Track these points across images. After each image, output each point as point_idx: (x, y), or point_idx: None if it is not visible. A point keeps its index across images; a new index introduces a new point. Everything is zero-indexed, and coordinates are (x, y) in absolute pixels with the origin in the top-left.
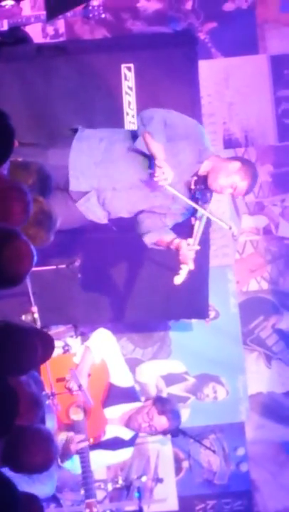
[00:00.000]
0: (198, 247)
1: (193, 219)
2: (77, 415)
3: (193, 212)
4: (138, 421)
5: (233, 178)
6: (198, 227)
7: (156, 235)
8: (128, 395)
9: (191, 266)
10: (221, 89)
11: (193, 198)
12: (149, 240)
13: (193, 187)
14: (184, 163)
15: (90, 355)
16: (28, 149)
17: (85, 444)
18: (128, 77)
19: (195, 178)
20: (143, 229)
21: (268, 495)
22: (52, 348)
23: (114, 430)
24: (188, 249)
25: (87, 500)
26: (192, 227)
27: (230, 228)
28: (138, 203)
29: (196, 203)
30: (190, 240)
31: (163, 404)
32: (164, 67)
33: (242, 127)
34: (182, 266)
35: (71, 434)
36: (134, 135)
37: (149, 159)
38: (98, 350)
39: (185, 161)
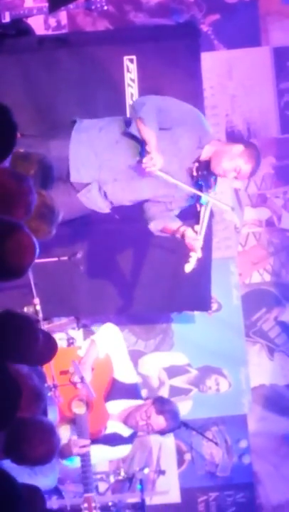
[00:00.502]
0: (201, 240)
1: (198, 205)
2: (79, 409)
3: (198, 198)
4: (136, 418)
5: (236, 162)
6: (204, 213)
7: (162, 222)
8: (130, 391)
9: (200, 254)
10: (223, 82)
11: (196, 184)
12: (154, 226)
13: (195, 173)
14: (184, 150)
15: (94, 349)
16: (30, 140)
17: (88, 449)
18: (130, 69)
19: (196, 164)
20: (149, 216)
21: (271, 487)
22: (55, 347)
23: (114, 426)
24: (195, 237)
25: (86, 495)
26: (198, 213)
27: (232, 209)
28: (140, 192)
29: (200, 189)
30: (197, 227)
31: (162, 404)
32: (166, 60)
33: (245, 119)
34: (191, 254)
35: (75, 436)
36: (129, 121)
37: (142, 146)
38: (104, 345)
39: (185, 148)
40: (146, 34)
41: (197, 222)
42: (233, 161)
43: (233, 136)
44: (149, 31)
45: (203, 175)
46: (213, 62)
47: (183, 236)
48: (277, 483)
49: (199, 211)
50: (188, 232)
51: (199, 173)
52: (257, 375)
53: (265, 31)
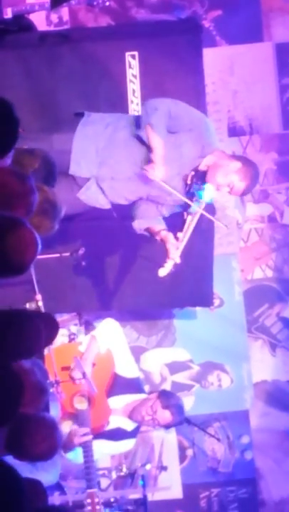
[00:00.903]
0: (182, 245)
1: (185, 213)
2: (81, 404)
3: (187, 207)
4: (141, 413)
5: (231, 178)
6: (190, 222)
7: (147, 222)
8: (132, 386)
9: (177, 259)
10: (225, 77)
11: (188, 192)
12: (138, 225)
13: (189, 182)
14: (186, 157)
15: (95, 345)
16: (33, 135)
17: (89, 437)
18: (132, 65)
19: (193, 172)
20: (136, 213)
21: (273, 483)
22: (56, 328)
23: (117, 421)
24: (175, 244)
25: (89, 490)
26: (184, 221)
27: (226, 226)
28: (136, 192)
29: (191, 197)
30: (179, 234)
31: (168, 398)
32: (168, 55)
33: (246, 115)
34: (168, 260)
35: (75, 426)
36: (138, 121)
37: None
38: (104, 340)
39: (187, 154)
40: (148, 30)
41: (181, 229)
42: (227, 176)
43: (235, 132)
44: (150, 27)
45: (197, 184)
46: (215, 58)
47: (163, 240)
48: (280, 479)
49: (185, 219)
50: (170, 238)
51: (193, 181)
52: (259, 371)
53: (268, 27)
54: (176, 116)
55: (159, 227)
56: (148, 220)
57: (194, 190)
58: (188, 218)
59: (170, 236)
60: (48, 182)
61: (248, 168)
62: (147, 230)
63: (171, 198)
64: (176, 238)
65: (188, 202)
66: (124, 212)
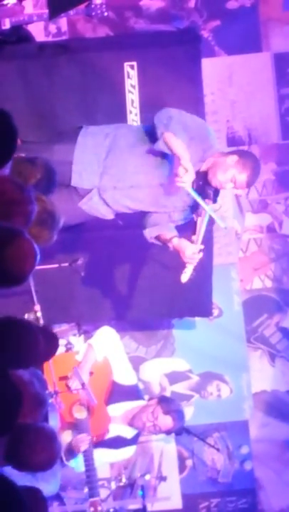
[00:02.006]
0: (202, 246)
1: (195, 216)
2: (80, 413)
3: (195, 208)
4: (142, 420)
5: (231, 172)
6: (201, 223)
7: (158, 229)
8: (131, 393)
9: (195, 262)
10: (224, 88)
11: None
12: (149, 233)
13: (193, 185)
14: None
15: (92, 353)
16: (33, 146)
17: (89, 443)
18: (131, 75)
19: (194, 176)
20: (148, 222)
21: (272, 493)
22: (56, 344)
23: (117, 428)
24: (192, 246)
25: (91, 499)
26: (195, 224)
27: (225, 228)
28: (139, 202)
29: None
30: (193, 237)
31: (168, 403)
32: (167, 66)
33: (245, 125)
34: (187, 264)
35: (78, 433)
36: (137, 129)
37: (166, 158)
38: (101, 348)
39: None
40: (146, 40)
41: (194, 232)
42: (227, 172)
43: (233, 142)
44: (149, 37)
45: (199, 185)
46: (213, 68)
47: (175, 247)
48: (279, 489)
49: (196, 221)
50: (183, 243)
51: (197, 184)
52: (258, 381)
53: (266, 37)
54: (185, 124)
55: (171, 234)
56: (159, 228)
57: (198, 192)
58: (199, 220)
59: (183, 241)
60: (49, 189)
61: (246, 159)
62: (158, 238)
63: (178, 203)
64: (191, 241)
65: (201, 203)
66: (130, 220)
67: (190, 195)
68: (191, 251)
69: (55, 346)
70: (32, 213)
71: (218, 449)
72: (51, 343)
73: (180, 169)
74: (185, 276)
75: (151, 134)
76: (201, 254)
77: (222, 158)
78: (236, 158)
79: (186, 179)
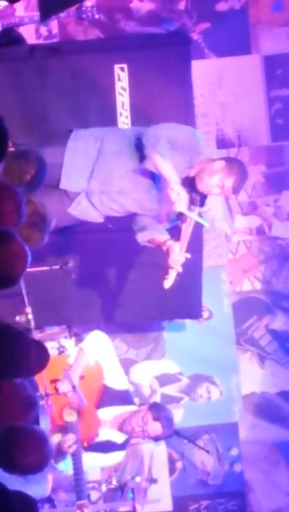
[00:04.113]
0: (188, 255)
1: (179, 222)
2: (70, 417)
3: (180, 216)
4: (132, 424)
5: (217, 177)
6: (186, 230)
7: (151, 233)
8: (122, 397)
9: (179, 269)
10: (214, 90)
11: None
12: (142, 237)
13: None
14: (174, 170)
15: (83, 357)
16: (24, 148)
17: (78, 446)
18: (121, 77)
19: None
20: (139, 226)
21: (262, 495)
22: (47, 358)
23: (107, 433)
24: (179, 253)
25: (79, 502)
26: (180, 230)
27: (203, 226)
28: (125, 206)
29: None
30: (178, 244)
31: (159, 410)
32: (157, 68)
33: (235, 127)
34: (170, 270)
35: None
36: (125, 135)
37: (154, 177)
38: (92, 352)
39: (175, 168)
40: (136, 43)
41: (178, 239)
42: (213, 177)
43: (223, 144)
44: (139, 40)
45: (187, 192)
46: (203, 71)
47: (168, 251)
48: (269, 491)
49: (181, 228)
50: (175, 247)
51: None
52: (248, 383)
53: (255, 39)
54: (175, 140)
55: (164, 237)
56: (151, 232)
57: (190, 198)
58: (183, 226)
59: (176, 246)
60: (40, 183)
61: (232, 164)
62: (151, 241)
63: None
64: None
65: (186, 212)
66: (120, 223)
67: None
68: (176, 256)
69: (46, 360)
70: (22, 214)
71: (208, 451)
72: (42, 356)
73: (172, 194)
74: (168, 282)
75: (138, 144)
76: (183, 259)
77: (208, 164)
78: (223, 163)
79: (181, 203)
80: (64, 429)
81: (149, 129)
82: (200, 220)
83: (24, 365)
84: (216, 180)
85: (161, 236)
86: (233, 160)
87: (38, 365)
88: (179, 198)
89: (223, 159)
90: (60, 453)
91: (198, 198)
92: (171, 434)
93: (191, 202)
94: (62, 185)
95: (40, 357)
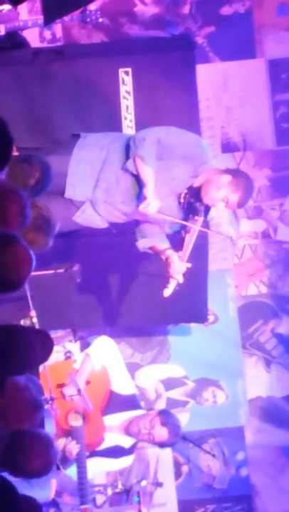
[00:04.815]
0: (188, 265)
1: (183, 232)
2: (75, 421)
3: (184, 225)
4: (139, 426)
5: (223, 192)
6: (189, 240)
7: (151, 241)
8: (129, 403)
9: (180, 279)
10: (218, 94)
11: (183, 210)
12: (142, 244)
13: (182, 200)
14: (177, 179)
15: (89, 362)
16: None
17: (83, 451)
18: (126, 81)
19: (185, 191)
20: (141, 233)
21: (268, 499)
22: (51, 345)
23: (115, 438)
24: (179, 263)
25: (82, 506)
26: (182, 240)
27: (231, 237)
28: (130, 215)
29: (187, 215)
30: (180, 253)
31: (168, 416)
32: (161, 72)
33: (240, 131)
34: (171, 280)
35: (70, 440)
36: (128, 152)
37: (139, 185)
38: (99, 358)
39: (178, 177)
40: (141, 46)
41: (181, 248)
42: (219, 191)
43: (228, 148)
44: (144, 44)
45: (190, 202)
46: (208, 75)
47: (167, 259)
48: (275, 495)
49: (184, 237)
50: (174, 258)
51: (186, 199)
52: (254, 387)
53: (260, 43)
54: (166, 143)
55: (164, 246)
56: (152, 239)
57: (188, 207)
58: (187, 236)
59: (175, 256)
60: (45, 187)
61: (239, 179)
62: (151, 248)
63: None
64: (178, 257)
65: (184, 223)
66: (124, 228)
67: (179, 209)
68: (176, 266)
69: (51, 348)
70: (26, 206)
71: (213, 455)
72: (46, 345)
73: (143, 199)
74: (168, 291)
75: None
76: (184, 269)
77: (215, 177)
78: (230, 178)
79: (149, 208)
80: (69, 433)
81: (138, 132)
82: (204, 230)
83: (30, 358)
84: (221, 195)
85: (161, 244)
86: (240, 173)
87: (43, 354)
88: (147, 204)
89: (229, 173)
90: (66, 459)
91: (202, 208)
92: (176, 442)
93: (195, 212)
94: (67, 195)
95: (44, 345)
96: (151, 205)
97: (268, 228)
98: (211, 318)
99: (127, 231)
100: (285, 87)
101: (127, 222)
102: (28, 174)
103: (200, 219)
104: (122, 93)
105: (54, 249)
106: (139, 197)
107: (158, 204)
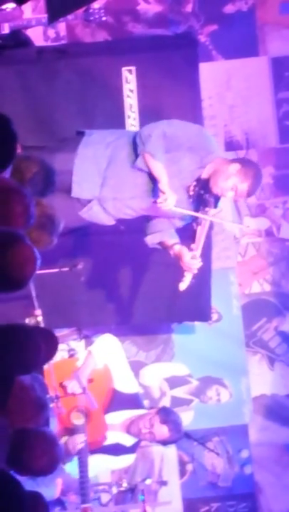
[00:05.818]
0: (199, 259)
1: (194, 224)
2: (78, 420)
3: (195, 217)
4: (139, 426)
5: (232, 181)
6: (201, 232)
7: (160, 236)
8: (132, 401)
9: (195, 270)
10: (222, 92)
11: (193, 202)
12: (151, 239)
13: (192, 192)
14: (185, 171)
15: (91, 360)
16: (33, 152)
17: (86, 450)
18: (129, 79)
19: (194, 183)
20: (150, 228)
21: (272, 497)
22: (56, 344)
23: (116, 436)
24: (191, 256)
25: (83, 506)
26: (194, 232)
27: (247, 227)
28: (140, 211)
29: (197, 206)
30: (193, 246)
31: (167, 414)
32: (165, 70)
33: (243, 129)
34: (186, 273)
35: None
36: (136, 150)
37: (152, 181)
38: (101, 356)
39: (185, 169)
40: (144, 45)
41: (193, 241)
42: (228, 180)
43: (231, 147)
44: (147, 42)
45: (200, 194)
46: (211, 73)
47: (177, 255)
48: (279, 493)
49: (196, 230)
50: (184, 251)
51: (196, 191)
52: (258, 385)
53: (263, 41)
54: (172, 136)
55: (172, 241)
56: (161, 234)
57: (198, 199)
58: (199, 229)
59: (184, 250)
60: (47, 188)
61: (248, 168)
62: (160, 244)
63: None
64: (191, 249)
65: (200, 215)
66: (128, 226)
67: (189, 201)
68: (190, 259)
69: (55, 347)
70: (31, 216)
71: (218, 454)
72: (51, 344)
73: (160, 194)
74: (183, 285)
75: None
76: (200, 262)
77: (224, 166)
78: (238, 166)
79: (167, 203)
80: (71, 431)
81: (143, 128)
82: (217, 220)
83: (35, 357)
84: (230, 184)
85: (171, 239)
86: (248, 162)
87: (48, 353)
88: (165, 198)
89: (238, 162)
90: (67, 453)
91: (211, 199)
92: (179, 438)
93: (205, 204)
94: (74, 194)
95: (48, 344)
96: (169, 200)
97: (272, 226)
98: (214, 316)
99: (133, 229)
100: (288, 85)
101: (134, 219)
102: (26, 167)
103: (211, 210)
104: (126, 91)
105: (59, 248)
106: (155, 192)
107: (175, 198)
